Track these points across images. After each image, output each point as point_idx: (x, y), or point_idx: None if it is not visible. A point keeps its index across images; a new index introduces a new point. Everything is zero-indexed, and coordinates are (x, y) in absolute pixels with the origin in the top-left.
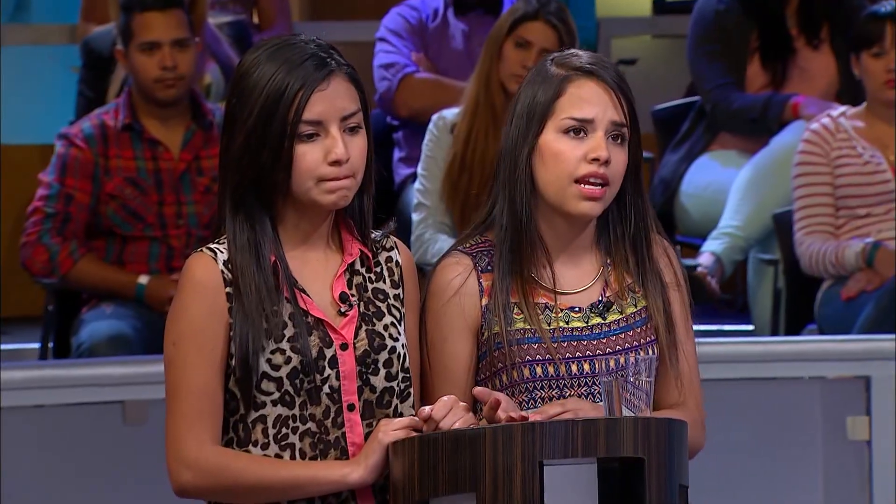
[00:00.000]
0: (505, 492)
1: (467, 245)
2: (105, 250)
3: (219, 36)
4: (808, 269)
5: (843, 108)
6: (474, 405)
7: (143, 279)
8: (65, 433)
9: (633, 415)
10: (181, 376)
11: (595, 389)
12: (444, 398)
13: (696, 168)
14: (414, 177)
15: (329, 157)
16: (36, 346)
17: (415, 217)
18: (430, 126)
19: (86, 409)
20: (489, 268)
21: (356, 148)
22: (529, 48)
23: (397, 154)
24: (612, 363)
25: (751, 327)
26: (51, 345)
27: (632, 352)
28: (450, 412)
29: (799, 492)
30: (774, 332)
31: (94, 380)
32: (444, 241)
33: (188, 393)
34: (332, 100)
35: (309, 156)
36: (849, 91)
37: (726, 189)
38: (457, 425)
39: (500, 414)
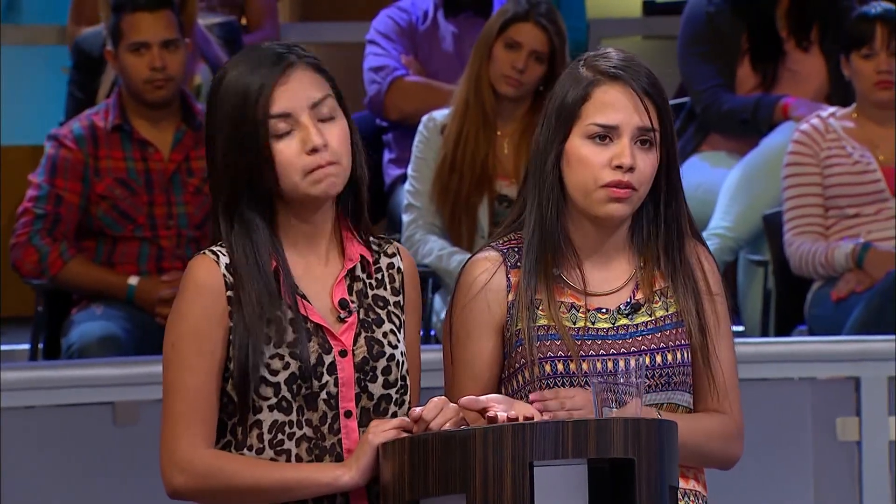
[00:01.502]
0: (495, 492)
1: (500, 241)
2: (95, 251)
3: (209, 37)
4: (797, 270)
5: (832, 109)
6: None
7: (134, 280)
8: (55, 434)
9: (616, 410)
10: (178, 378)
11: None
12: (435, 399)
13: (686, 169)
14: (404, 178)
15: (305, 146)
16: (26, 347)
17: (405, 218)
18: (420, 127)
19: (76, 410)
20: (519, 264)
21: (333, 135)
22: (519, 49)
23: (387, 155)
24: (621, 363)
25: (741, 328)
26: (41, 346)
27: (658, 353)
28: (440, 413)
29: (789, 492)
30: (764, 333)
31: (84, 381)
32: (435, 242)
33: (184, 395)
34: (295, 90)
35: (287, 150)
36: (839, 93)
37: (716, 190)
38: (447, 426)
39: (500, 416)
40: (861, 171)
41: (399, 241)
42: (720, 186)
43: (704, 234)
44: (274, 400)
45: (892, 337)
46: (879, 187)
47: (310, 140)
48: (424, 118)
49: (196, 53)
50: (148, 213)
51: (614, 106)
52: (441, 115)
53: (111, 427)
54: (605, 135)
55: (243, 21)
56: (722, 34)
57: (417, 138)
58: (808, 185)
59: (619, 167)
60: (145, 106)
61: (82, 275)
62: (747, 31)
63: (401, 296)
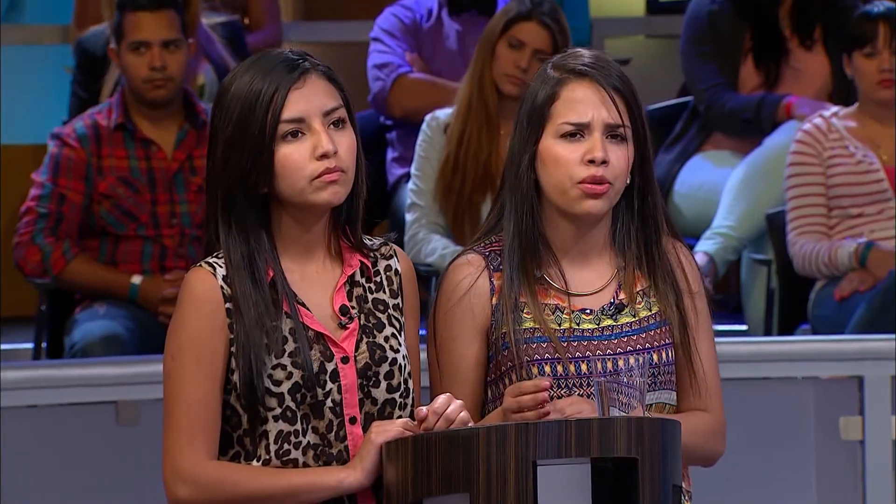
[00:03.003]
0: (499, 492)
1: (481, 244)
2: (98, 250)
3: (212, 36)
4: (801, 270)
5: (835, 109)
6: (482, 407)
7: (137, 279)
8: (58, 433)
9: (625, 414)
10: (180, 390)
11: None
12: (441, 397)
13: (690, 168)
14: (407, 177)
15: (316, 151)
16: (29, 346)
17: (408, 217)
18: (424, 126)
19: (79, 409)
20: (502, 267)
21: (343, 143)
22: (523, 48)
23: (391, 154)
24: (609, 364)
25: (744, 327)
26: (44, 345)
27: (643, 353)
28: (448, 409)
29: (792, 492)
30: (768, 333)
31: (87, 380)
32: (438, 241)
33: (187, 407)
34: (310, 97)
35: (296, 154)
36: (842, 92)
37: (719, 189)
38: (454, 425)
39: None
40: (864, 170)
41: (395, 240)
42: (723, 186)
43: (707, 233)
44: (279, 410)
45: (895, 336)
46: (882, 187)
47: (321, 145)
48: (427, 117)
49: (199, 53)
50: (151, 212)
51: (583, 102)
52: (444, 114)
53: (114, 426)
54: (577, 132)
55: (246, 20)
56: (725, 33)
57: (420, 137)
58: (811, 185)
59: (591, 162)
60: (146, 105)
61: (85, 274)
62: (750, 29)
63: (399, 298)
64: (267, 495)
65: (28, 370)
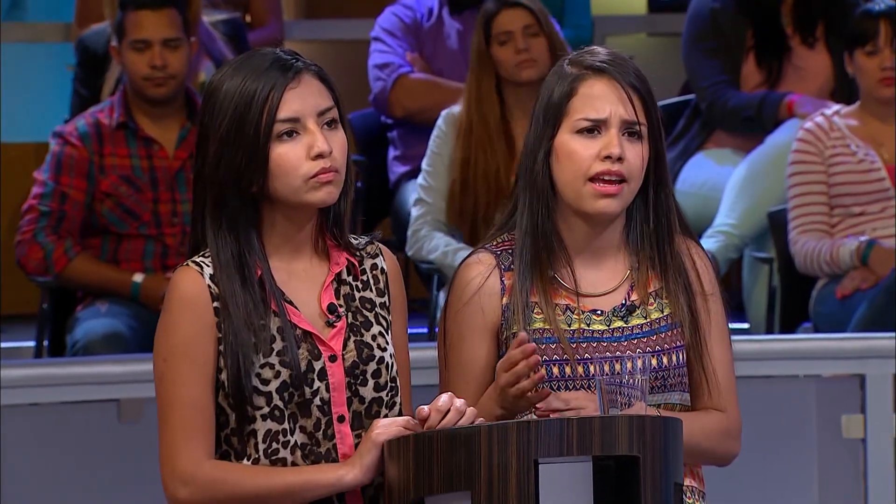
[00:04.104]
0: (500, 490)
1: (493, 243)
2: (100, 248)
3: (213, 34)
4: (802, 268)
5: (837, 107)
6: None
7: (138, 277)
8: (60, 431)
9: (627, 412)
10: (174, 392)
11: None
12: (443, 395)
13: (692, 166)
14: (409, 175)
15: (311, 151)
16: (31, 344)
17: (414, 212)
18: (439, 122)
19: (81, 407)
20: (513, 266)
21: (337, 144)
22: (512, 35)
23: (392, 153)
24: (616, 366)
25: (746, 325)
26: (46, 343)
27: (654, 356)
28: (451, 409)
29: (794, 490)
30: (769, 331)
31: (89, 378)
32: (440, 239)
33: (182, 408)
34: (304, 96)
35: (291, 154)
36: (843, 90)
37: (721, 187)
38: (462, 422)
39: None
40: (866, 169)
41: (380, 238)
42: (725, 184)
43: (709, 232)
44: (266, 409)
45: None
46: (884, 185)
47: (316, 146)
48: (444, 112)
49: (201, 50)
50: (153, 211)
51: (601, 99)
52: (459, 108)
53: (116, 424)
54: (594, 128)
55: (247, 18)
56: (727, 30)
57: (435, 133)
58: (813, 184)
59: (608, 157)
60: (148, 103)
61: (87, 272)
62: (752, 27)
63: (386, 297)
64: (266, 494)
65: (30, 368)
